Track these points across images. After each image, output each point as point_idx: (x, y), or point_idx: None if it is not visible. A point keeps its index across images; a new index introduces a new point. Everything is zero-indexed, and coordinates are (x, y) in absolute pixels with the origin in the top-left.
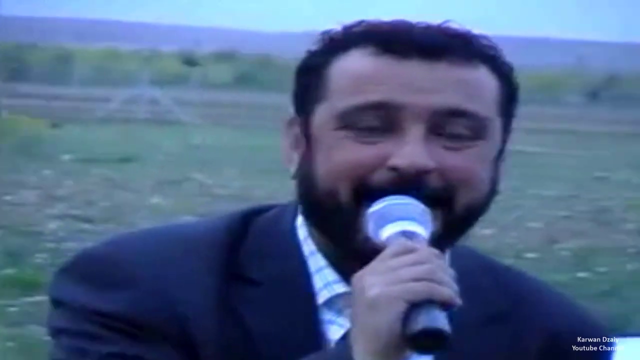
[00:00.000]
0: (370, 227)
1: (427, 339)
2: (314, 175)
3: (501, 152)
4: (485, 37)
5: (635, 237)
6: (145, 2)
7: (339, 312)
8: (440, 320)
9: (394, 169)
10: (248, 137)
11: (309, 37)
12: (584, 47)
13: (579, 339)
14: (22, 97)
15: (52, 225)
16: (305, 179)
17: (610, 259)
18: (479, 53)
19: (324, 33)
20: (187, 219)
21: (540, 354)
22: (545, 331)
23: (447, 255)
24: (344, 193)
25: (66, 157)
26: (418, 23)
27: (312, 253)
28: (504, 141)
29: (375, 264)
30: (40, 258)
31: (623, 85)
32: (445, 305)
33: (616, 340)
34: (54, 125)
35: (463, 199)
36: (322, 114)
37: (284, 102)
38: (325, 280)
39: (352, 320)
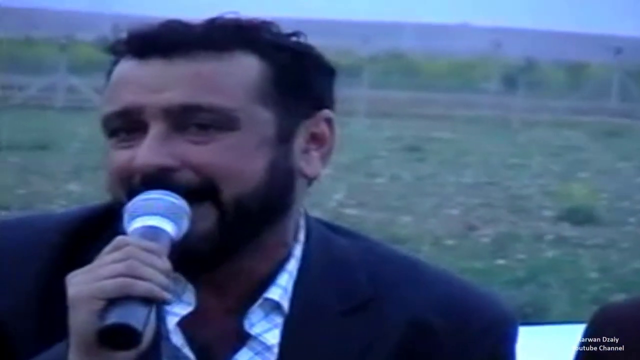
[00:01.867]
0: (125, 225)
1: (115, 335)
2: (107, 185)
3: (284, 135)
4: (256, 24)
5: (553, 224)
6: None
7: (177, 301)
8: (131, 315)
9: (137, 170)
10: None
11: None
12: (500, 34)
13: (448, 328)
14: None
15: None
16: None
17: (528, 245)
18: (233, 42)
19: (112, 42)
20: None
21: (404, 342)
22: (409, 319)
23: (299, 247)
24: (123, 198)
25: None
26: (174, 21)
27: None
28: (288, 125)
29: (90, 264)
30: None
31: (539, 72)
32: (149, 301)
33: (532, 328)
34: None
35: (228, 193)
36: (100, 124)
37: None
38: None
39: None
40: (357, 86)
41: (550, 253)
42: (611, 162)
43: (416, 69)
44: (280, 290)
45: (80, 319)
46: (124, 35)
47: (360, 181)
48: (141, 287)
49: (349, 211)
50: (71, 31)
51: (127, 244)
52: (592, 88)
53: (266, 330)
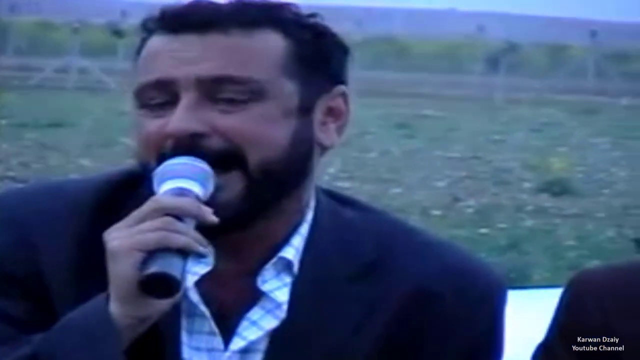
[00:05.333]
0: (155, 188)
1: (156, 284)
2: (136, 152)
3: (306, 108)
4: (280, 4)
5: (533, 195)
6: None
7: (197, 262)
8: (170, 266)
9: (170, 135)
10: None
11: None
12: (485, 18)
13: (451, 297)
14: None
15: None
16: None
17: (509, 215)
18: (260, 20)
19: (144, 20)
20: None
21: (407, 308)
22: (413, 287)
23: (310, 212)
24: (152, 164)
25: (2, 122)
26: (204, 1)
27: None
28: (309, 98)
29: (125, 219)
30: None
31: (521, 54)
32: (185, 253)
33: (514, 292)
34: None
35: (254, 159)
36: (133, 96)
37: None
38: None
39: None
40: (350, 68)
41: (530, 222)
42: (587, 138)
43: (406, 52)
44: (294, 250)
45: (121, 270)
46: (156, 14)
47: (353, 155)
48: (179, 239)
49: (342, 184)
50: (84, 16)
51: (162, 202)
52: (570, 69)
53: (277, 288)
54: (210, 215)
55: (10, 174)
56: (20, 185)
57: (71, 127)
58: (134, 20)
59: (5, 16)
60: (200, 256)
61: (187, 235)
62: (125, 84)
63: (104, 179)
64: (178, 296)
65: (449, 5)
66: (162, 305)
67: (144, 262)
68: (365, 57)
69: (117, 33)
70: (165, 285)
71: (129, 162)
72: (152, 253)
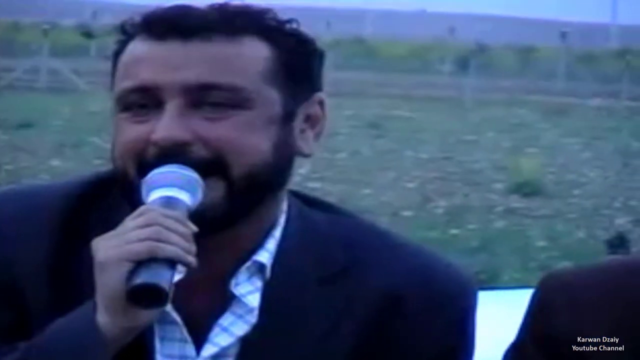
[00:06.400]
0: (143, 197)
1: (144, 294)
2: (113, 157)
3: (288, 116)
4: (263, 11)
5: (503, 196)
6: None
7: None
8: (158, 276)
9: (155, 143)
10: None
11: None
12: (455, 19)
13: (418, 299)
14: None
15: None
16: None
17: (480, 216)
18: (245, 27)
19: (123, 23)
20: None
21: (374, 313)
22: (381, 290)
23: (283, 216)
24: (131, 171)
25: None
26: (187, 5)
27: None
28: (291, 106)
29: (114, 230)
30: None
31: (491, 55)
32: (173, 263)
33: (485, 293)
34: None
35: (237, 167)
36: (113, 100)
37: None
38: None
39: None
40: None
41: (500, 223)
42: (558, 139)
43: (375, 53)
44: (268, 254)
45: (109, 280)
46: (136, 18)
47: (323, 156)
48: (168, 250)
49: (312, 184)
50: (54, 17)
51: (150, 211)
52: (540, 70)
53: (249, 292)
54: (188, 238)
55: None
56: None
57: (41, 127)
58: (105, 21)
59: None
60: (188, 266)
61: (176, 245)
62: (96, 84)
63: (76, 183)
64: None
65: (418, 6)
66: (149, 315)
67: (132, 272)
68: (335, 58)
69: (87, 34)
70: (154, 295)
71: (98, 163)
72: (140, 263)
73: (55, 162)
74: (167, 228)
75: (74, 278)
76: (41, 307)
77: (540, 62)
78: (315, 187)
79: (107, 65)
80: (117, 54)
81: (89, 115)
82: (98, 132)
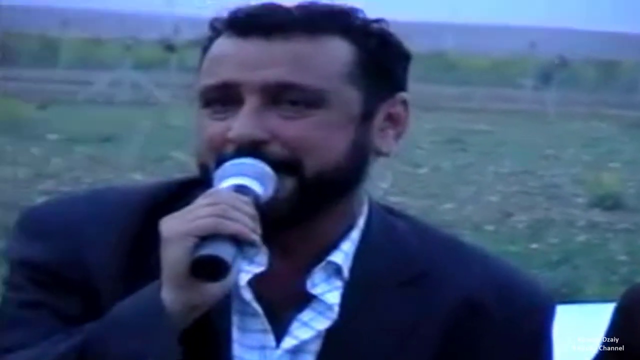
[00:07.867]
0: (215, 186)
1: (206, 266)
2: (196, 152)
3: (367, 114)
4: (348, 10)
5: (584, 210)
6: None
7: (250, 262)
8: (221, 249)
9: (232, 140)
10: None
11: None
12: (536, 33)
13: (498, 310)
14: (11, 81)
15: (43, 200)
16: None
17: (561, 230)
18: (327, 26)
19: (212, 20)
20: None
21: (454, 319)
22: (462, 297)
23: (362, 219)
24: (211, 166)
25: (53, 136)
26: (272, 3)
27: None
28: (370, 105)
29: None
30: None
31: (572, 69)
32: (237, 240)
33: (566, 306)
34: (41, 107)
35: (311, 165)
36: (197, 95)
37: None
38: None
39: None
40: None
41: (582, 237)
42: (639, 153)
43: (457, 66)
44: (343, 255)
45: (174, 254)
46: (223, 14)
47: (404, 170)
48: (232, 226)
49: (394, 199)
50: (134, 32)
51: (219, 192)
52: (621, 83)
53: (327, 291)
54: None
55: (63, 188)
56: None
57: (122, 141)
58: (186, 36)
59: (54, 31)
60: (252, 245)
61: (241, 222)
62: (177, 97)
63: (159, 183)
64: (229, 285)
65: (502, 21)
66: (214, 290)
67: (196, 246)
68: (415, 72)
69: (170, 48)
70: (216, 268)
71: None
72: (204, 238)
73: (136, 176)
74: (233, 206)
75: (149, 275)
76: (114, 300)
77: (622, 76)
78: (396, 202)
79: (188, 78)
80: (205, 50)
81: (170, 129)
82: (179, 146)
